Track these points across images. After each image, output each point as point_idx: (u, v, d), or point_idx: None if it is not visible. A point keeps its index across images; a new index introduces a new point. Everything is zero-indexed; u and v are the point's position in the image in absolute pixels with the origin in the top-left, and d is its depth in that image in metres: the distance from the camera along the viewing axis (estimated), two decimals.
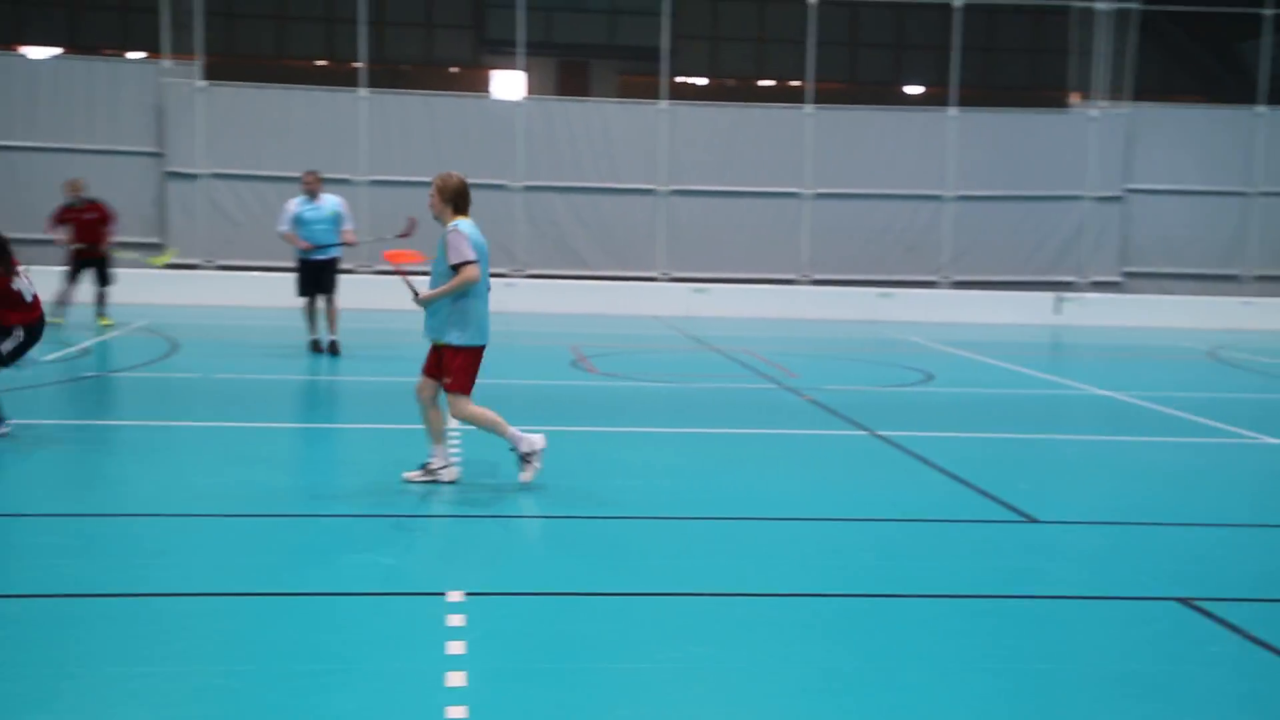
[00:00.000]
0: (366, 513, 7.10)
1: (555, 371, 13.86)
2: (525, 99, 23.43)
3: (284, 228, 13.95)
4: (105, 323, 16.33)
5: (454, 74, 31.48)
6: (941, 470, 8.77)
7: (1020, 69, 30.17)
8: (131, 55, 26.39)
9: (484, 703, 4.38)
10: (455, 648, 4.90)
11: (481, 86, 30.77)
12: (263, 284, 20.30)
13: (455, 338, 7.61)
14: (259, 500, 7.36)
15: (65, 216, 16.15)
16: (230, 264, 21.68)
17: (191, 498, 7.33)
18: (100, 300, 16.44)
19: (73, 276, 16.15)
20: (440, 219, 7.80)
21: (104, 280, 16.38)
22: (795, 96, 25.07)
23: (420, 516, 7.12)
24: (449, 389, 7.64)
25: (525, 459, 7.71)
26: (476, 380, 7.78)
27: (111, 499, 7.41)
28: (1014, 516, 7.50)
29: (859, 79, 30.80)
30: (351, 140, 22.19)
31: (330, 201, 14.10)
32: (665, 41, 23.29)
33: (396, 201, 22.22)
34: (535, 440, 7.74)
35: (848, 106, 24.48)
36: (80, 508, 7.13)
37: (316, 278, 14.06)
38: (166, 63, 22.07)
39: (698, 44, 30.75)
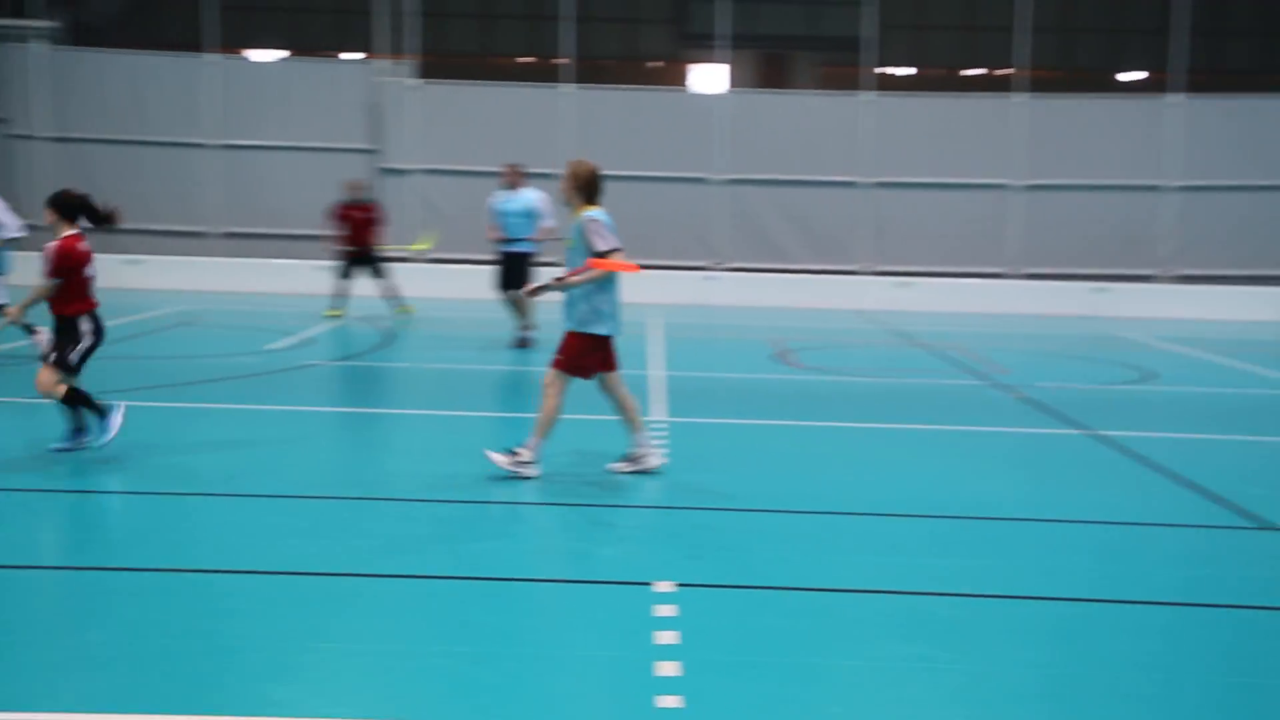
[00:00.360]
0: (575, 501, 7.19)
1: (756, 365, 13.80)
2: (726, 92, 23.40)
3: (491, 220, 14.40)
4: (405, 310, 16.53)
5: (655, 68, 31.70)
6: (1164, 471, 8.39)
7: (1249, 51, 28.62)
8: (348, 56, 27.44)
9: (698, 693, 4.38)
10: (665, 638, 4.91)
11: (682, 80, 30.89)
12: (468, 277, 20.82)
13: (598, 328, 7.60)
14: (467, 488, 7.53)
15: (342, 213, 16.33)
16: (439, 257, 22.31)
17: (405, 483, 7.56)
18: (389, 293, 16.53)
19: (345, 273, 16.36)
20: (571, 205, 7.73)
21: (379, 274, 16.45)
22: (1004, 86, 24.35)
23: (626, 507, 7.17)
24: (555, 364, 7.62)
25: (519, 460, 7.54)
26: (620, 367, 7.79)
27: (333, 483, 7.69)
28: (1245, 522, 7.11)
29: (1072, 66, 29.73)
30: (554, 135, 22.56)
31: (527, 195, 14.27)
32: (869, 31, 22.94)
33: None
34: (529, 471, 7.52)
35: (1061, 95, 23.60)
36: (305, 490, 7.41)
37: (506, 270, 14.26)
38: (381, 63, 22.86)
39: (902, 33, 30.16)
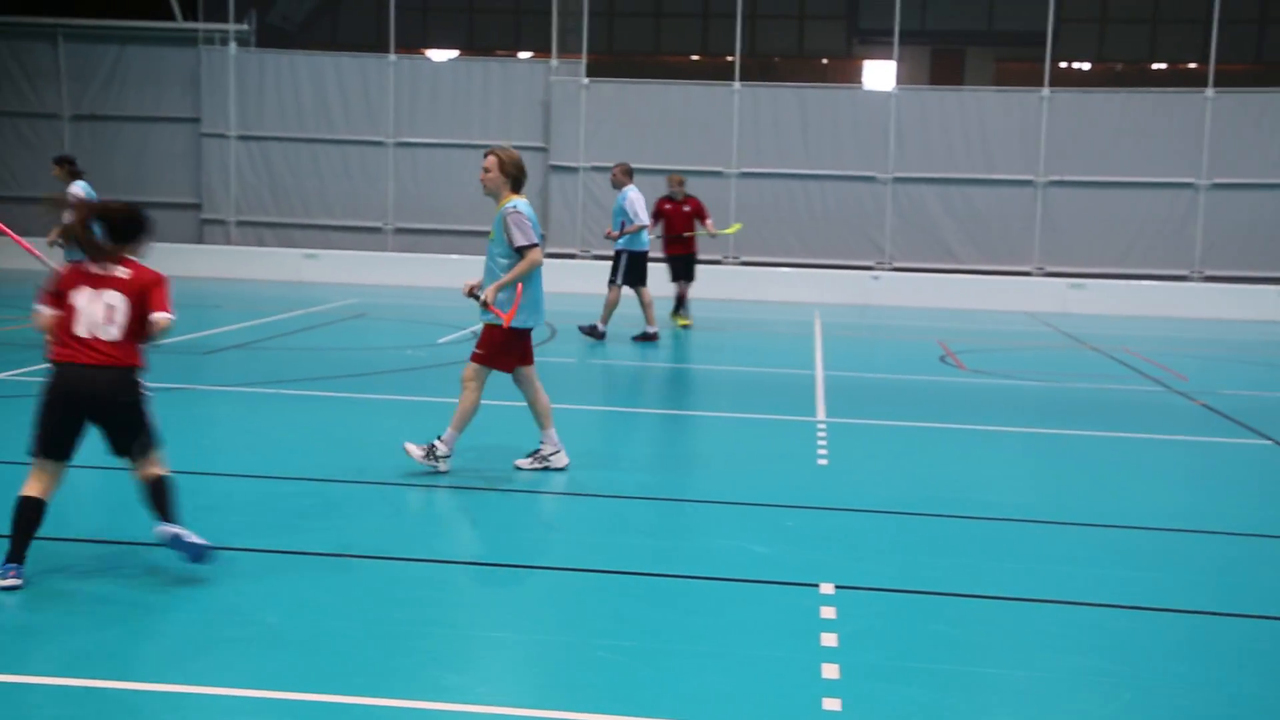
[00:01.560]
0: (732, 500, 7.21)
1: (920, 367, 13.59)
2: (897, 89, 23.07)
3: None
4: (684, 323, 15.87)
5: (825, 65, 31.44)
6: None
7: None
8: (522, 55, 27.94)
9: (858, 698, 4.35)
10: (829, 640, 4.90)
11: (853, 78, 30.58)
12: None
13: (517, 321, 7.48)
14: (630, 482, 7.61)
15: (662, 208, 15.76)
16: (603, 254, 22.55)
17: (568, 477, 7.68)
18: (681, 299, 16.05)
19: (675, 274, 15.86)
20: (496, 196, 7.56)
21: (689, 275, 15.90)
22: (1191, 80, 23.44)
23: (787, 507, 7.15)
24: (476, 358, 7.50)
25: (433, 454, 7.47)
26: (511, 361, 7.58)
27: (496, 475, 7.86)
28: None
29: (1267, 59, 28.44)
30: (725, 133, 22.57)
31: (624, 194, 14.40)
32: (1049, 25, 22.32)
33: (764, 193, 22.45)
34: (443, 465, 7.45)
35: (1255, 90, 22.57)
36: (474, 482, 7.59)
37: (612, 267, 14.67)
38: (554, 62, 23.20)
39: (1083, 27, 29.29)
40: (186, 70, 23.27)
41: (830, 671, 4.58)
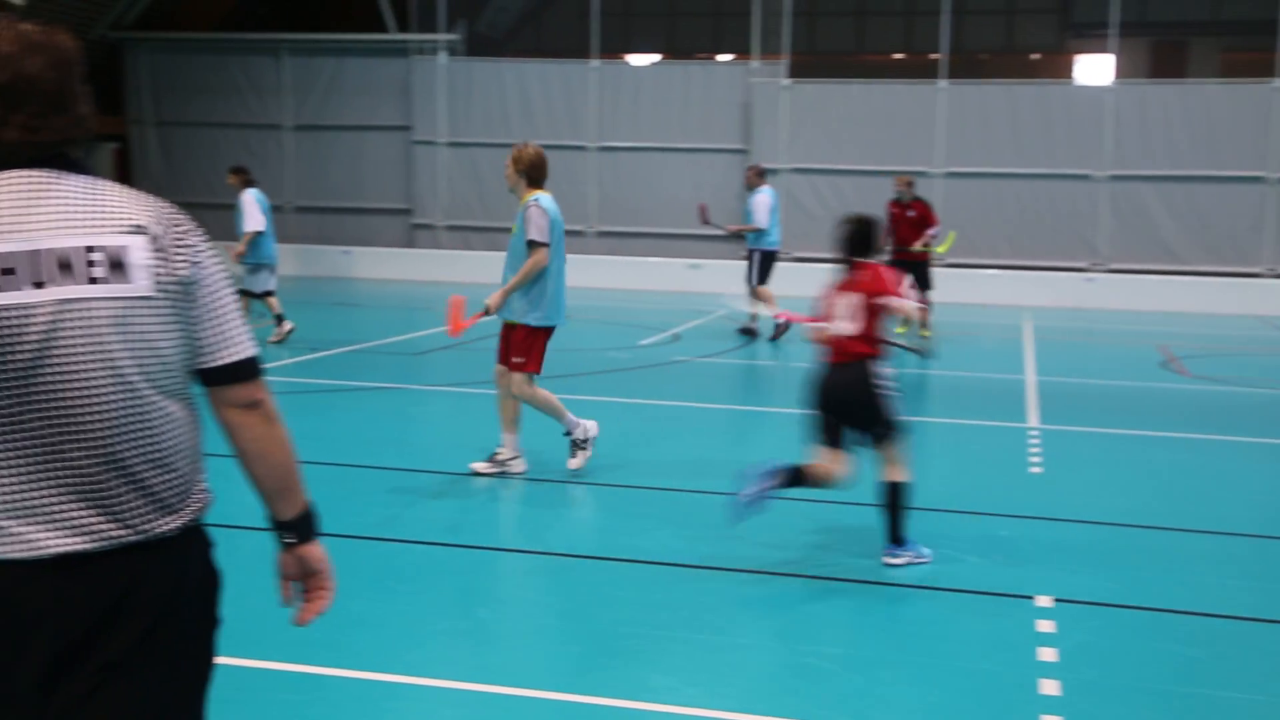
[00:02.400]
0: (942, 507, 7.01)
1: (1142, 372, 13.00)
2: (1114, 83, 22.16)
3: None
4: (925, 335, 14.26)
5: (1035, 61, 30.46)
6: None
7: None
8: (722, 58, 27.94)
9: (1081, 716, 4.16)
10: (1048, 654, 4.70)
11: (1064, 73, 29.52)
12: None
13: (532, 319, 7.33)
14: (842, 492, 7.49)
15: (890, 212, 14.68)
16: (805, 255, 22.34)
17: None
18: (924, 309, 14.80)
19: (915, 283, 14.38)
20: (515, 192, 7.40)
21: (924, 284, 14.39)
22: None
23: (995, 515, 6.91)
24: (520, 369, 7.35)
25: (579, 445, 7.40)
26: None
27: (703, 477, 7.84)
28: None
29: None
30: (929, 133, 22.09)
31: (756, 194, 14.92)
32: None
33: (971, 194, 21.87)
34: (590, 426, 7.42)
35: None
36: (673, 483, 7.59)
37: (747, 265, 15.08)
38: (755, 63, 23.12)
39: None
40: (398, 80, 24.07)
41: (1049, 688, 4.39)
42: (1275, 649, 4.90)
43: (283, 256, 23.52)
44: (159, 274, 2.12)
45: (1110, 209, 21.40)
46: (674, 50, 29.95)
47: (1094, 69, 27.04)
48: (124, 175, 24.39)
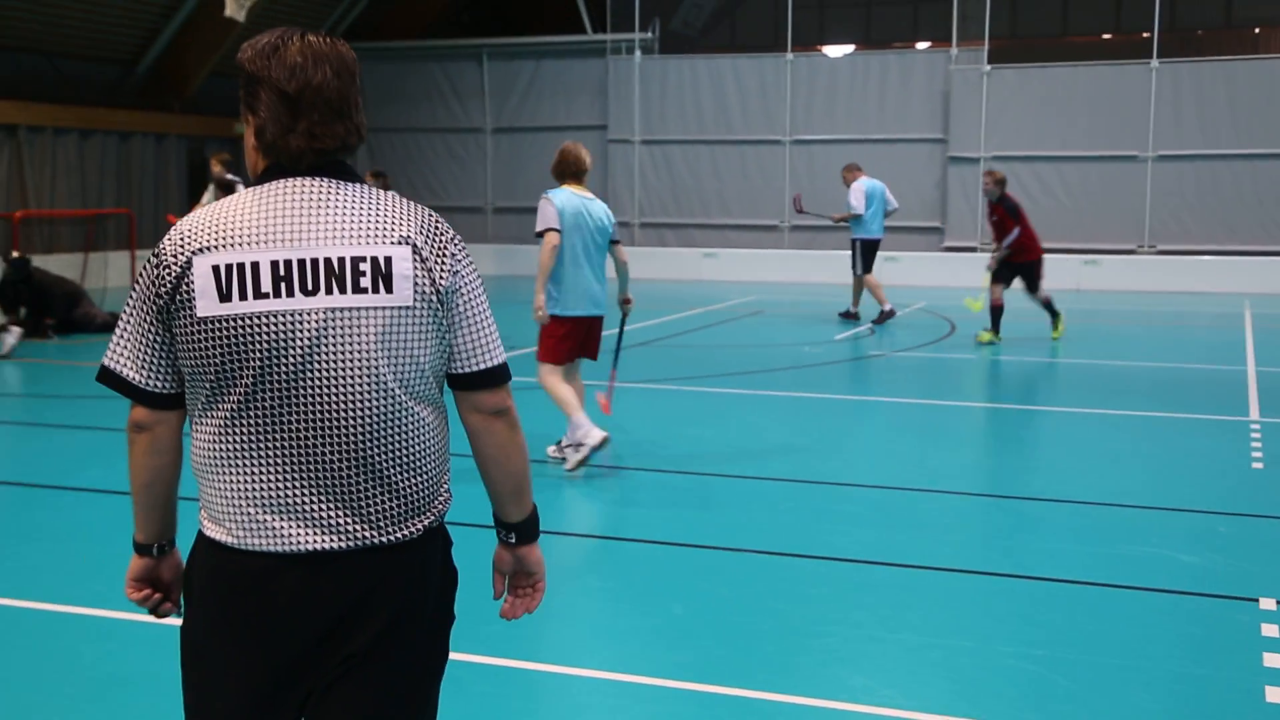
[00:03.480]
0: (1156, 504, 6.70)
1: None
2: None
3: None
4: (1055, 335, 13.61)
5: (1257, 35, 28.91)
6: None
7: None
8: (920, 46, 27.38)
9: None
10: (1274, 660, 4.43)
11: None
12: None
13: (552, 308, 7.24)
14: (1027, 483, 7.24)
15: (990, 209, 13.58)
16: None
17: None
18: (1049, 307, 13.68)
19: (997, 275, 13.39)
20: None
21: (1028, 285, 13.45)
22: None
23: (1214, 513, 6.56)
24: (538, 356, 7.35)
25: (574, 446, 7.15)
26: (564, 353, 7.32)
27: (897, 473, 7.69)
28: None
29: None
30: (1140, 115, 21.15)
31: (854, 186, 15.27)
32: None
33: (1185, 177, 20.86)
34: (594, 435, 7.08)
35: None
36: (866, 479, 7.47)
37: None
38: (954, 50, 22.56)
39: None
40: (595, 79, 24.38)
41: (1276, 695, 4.14)
42: None
43: (483, 257, 24.18)
44: (420, 284, 2.18)
45: None
46: (871, 40, 29.51)
47: None
48: None
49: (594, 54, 24.35)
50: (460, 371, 2.28)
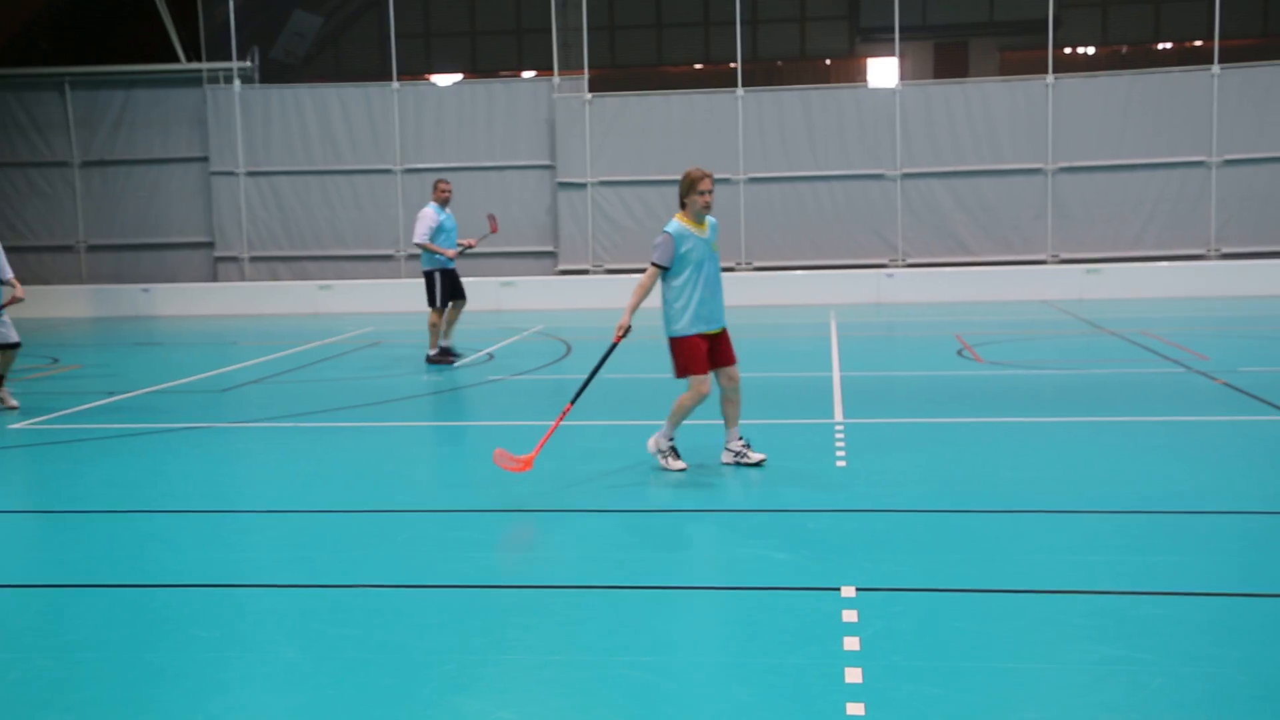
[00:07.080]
0: (750, 508, 7.17)
1: (938, 362, 13.54)
2: (901, 85, 23.03)
3: (423, 239, 13.81)
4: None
5: (829, 66, 31.45)
6: None
7: None
8: (526, 75, 28.01)
9: (881, 701, 4.32)
10: (852, 644, 4.86)
11: (857, 77, 30.57)
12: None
13: (669, 330, 8.11)
14: (628, 496, 7.58)
15: None
16: (616, 268, 22.56)
17: (565, 492, 7.66)
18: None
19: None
20: None
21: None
22: (1197, 58, 23.32)
23: (798, 511, 7.11)
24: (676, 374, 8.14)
25: (665, 453, 8.15)
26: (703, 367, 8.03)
27: (502, 496, 7.85)
28: None
29: (1272, 32, 28.28)
30: (730, 140, 22.57)
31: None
32: (1050, 11, 22.26)
33: (773, 198, 22.43)
34: (674, 465, 8.13)
35: (1261, 64, 22.40)
36: (477, 504, 7.59)
37: (456, 285, 14.26)
38: (556, 79, 23.25)
39: (1086, 11, 29.19)
40: (193, 110, 23.44)
41: (853, 676, 4.54)
42: (1061, 618, 5.16)
43: (76, 298, 22.67)
44: None
45: (905, 206, 22.23)
46: (477, 69, 29.92)
47: (883, 72, 28.05)
48: None
49: (190, 83, 23.42)
50: None
